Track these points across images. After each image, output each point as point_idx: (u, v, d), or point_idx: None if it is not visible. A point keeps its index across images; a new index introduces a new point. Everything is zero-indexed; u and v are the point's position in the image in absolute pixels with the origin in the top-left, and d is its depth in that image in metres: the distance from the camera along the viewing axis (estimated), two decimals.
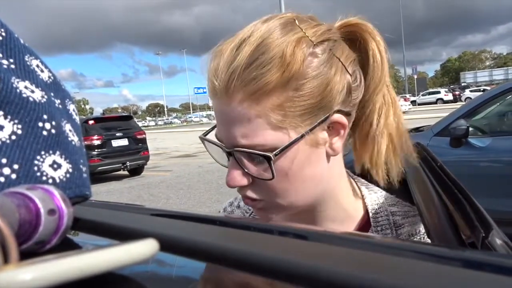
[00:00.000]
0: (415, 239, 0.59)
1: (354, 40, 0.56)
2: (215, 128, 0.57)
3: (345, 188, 0.62)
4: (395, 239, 0.57)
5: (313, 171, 0.54)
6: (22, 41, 0.37)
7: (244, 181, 0.54)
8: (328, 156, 0.56)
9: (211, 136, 0.58)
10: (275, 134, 0.50)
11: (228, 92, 0.50)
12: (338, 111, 0.53)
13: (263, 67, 0.48)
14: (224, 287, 0.27)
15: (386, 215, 0.61)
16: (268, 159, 0.50)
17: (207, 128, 0.60)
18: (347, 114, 0.54)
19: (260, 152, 0.50)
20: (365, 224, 0.62)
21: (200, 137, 0.60)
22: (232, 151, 0.52)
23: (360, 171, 0.61)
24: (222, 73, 0.50)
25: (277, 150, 0.50)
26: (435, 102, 41.66)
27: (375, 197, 0.63)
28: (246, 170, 0.53)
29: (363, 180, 0.66)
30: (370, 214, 0.61)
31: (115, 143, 9.98)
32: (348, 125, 0.55)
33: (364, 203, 0.63)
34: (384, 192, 0.64)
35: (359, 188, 0.65)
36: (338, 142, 0.55)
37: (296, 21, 0.52)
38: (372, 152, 0.57)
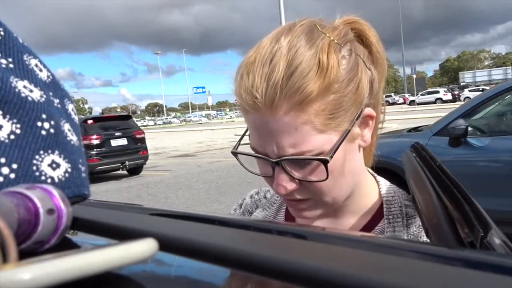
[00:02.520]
0: (422, 229, 0.61)
1: (359, 37, 0.59)
2: (250, 139, 0.58)
3: (369, 176, 0.66)
4: (395, 239, 0.57)
5: (352, 165, 0.58)
6: (20, 41, 0.37)
7: (293, 186, 0.56)
8: (359, 148, 0.60)
9: (242, 148, 0.60)
10: (321, 137, 0.53)
11: (273, 105, 0.51)
12: (367, 105, 0.57)
13: (303, 77, 0.50)
14: None
15: (399, 206, 0.64)
16: (325, 162, 0.53)
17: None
18: (373, 106, 0.59)
19: (317, 157, 0.53)
20: (378, 214, 0.65)
21: (232, 152, 0.61)
22: (280, 161, 0.54)
23: None
24: (262, 87, 0.51)
25: (331, 153, 0.53)
26: (434, 102, 41.68)
27: (391, 190, 0.66)
28: (294, 176, 0.55)
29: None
30: (384, 204, 0.64)
31: (114, 142, 9.97)
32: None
33: (380, 194, 0.66)
34: (398, 188, 0.68)
35: (375, 178, 0.68)
36: (368, 134, 0.59)
37: (318, 27, 0.55)
38: (377, 128, 0.63)
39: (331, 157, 0.53)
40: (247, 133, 0.60)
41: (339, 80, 0.52)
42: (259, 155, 0.56)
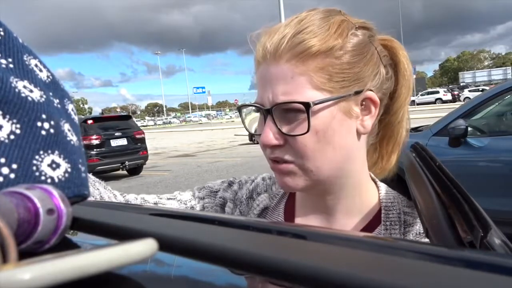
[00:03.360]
0: (422, 237, 0.61)
1: (389, 53, 0.64)
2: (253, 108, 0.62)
3: (368, 179, 0.66)
4: (395, 239, 0.57)
5: (343, 141, 0.59)
6: (20, 41, 0.37)
7: (278, 140, 0.58)
8: (358, 133, 0.60)
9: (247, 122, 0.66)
10: (314, 93, 0.55)
11: (277, 53, 0.56)
12: (372, 90, 0.59)
13: (309, 34, 0.55)
14: None
15: (398, 213, 0.63)
16: (307, 106, 0.54)
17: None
18: (379, 98, 0.60)
19: (300, 100, 0.55)
20: (376, 219, 0.64)
21: (237, 107, 0.66)
22: (271, 108, 0.57)
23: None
24: (273, 40, 0.57)
25: (316, 100, 0.55)
26: (434, 102, 41.66)
27: (391, 195, 0.66)
28: (281, 129, 0.57)
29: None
30: (383, 210, 0.64)
31: (114, 142, 9.97)
32: (379, 107, 0.61)
33: (379, 199, 0.66)
34: (399, 194, 0.67)
35: (376, 183, 0.68)
36: (368, 120, 0.60)
37: (341, 11, 0.60)
38: (395, 139, 0.65)
39: (315, 104, 0.55)
40: (250, 121, 0.65)
41: (343, 49, 0.56)
42: (256, 104, 0.59)
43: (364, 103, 0.59)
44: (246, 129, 0.66)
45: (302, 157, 0.57)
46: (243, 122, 0.65)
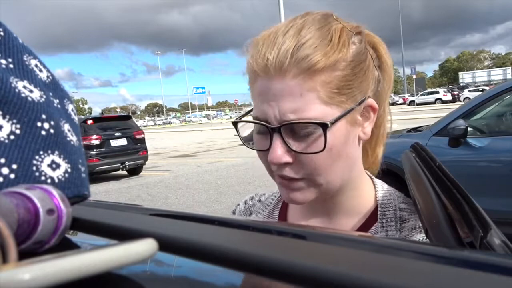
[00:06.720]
0: (416, 232, 0.61)
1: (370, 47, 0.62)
2: (253, 111, 0.59)
3: (365, 178, 0.66)
4: (395, 239, 0.57)
5: (350, 151, 0.59)
6: (20, 41, 0.37)
7: (288, 158, 0.56)
8: (359, 140, 0.61)
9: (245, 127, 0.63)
10: (323, 109, 0.54)
11: (282, 69, 0.53)
12: (370, 97, 0.59)
13: (313, 48, 0.53)
14: None
15: (394, 210, 0.64)
16: (324, 127, 0.53)
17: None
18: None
19: (313, 120, 0.53)
20: (372, 217, 0.64)
21: (233, 122, 0.63)
22: (280, 126, 0.55)
23: None
24: (274, 53, 0.54)
25: (332, 119, 0.54)
26: (434, 102, 41.67)
27: (387, 192, 0.66)
28: (291, 147, 0.55)
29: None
30: (379, 208, 0.64)
31: (114, 143, 9.97)
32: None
33: (375, 196, 0.66)
34: (396, 190, 0.67)
35: (372, 180, 0.68)
36: (368, 127, 0.60)
37: (333, 16, 0.59)
38: (378, 133, 0.65)
39: (332, 123, 0.54)
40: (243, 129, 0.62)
41: (347, 60, 0.55)
42: (260, 121, 0.57)
43: (364, 110, 0.59)
44: (244, 144, 0.63)
45: (313, 173, 0.57)
46: (240, 137, 0.62)
